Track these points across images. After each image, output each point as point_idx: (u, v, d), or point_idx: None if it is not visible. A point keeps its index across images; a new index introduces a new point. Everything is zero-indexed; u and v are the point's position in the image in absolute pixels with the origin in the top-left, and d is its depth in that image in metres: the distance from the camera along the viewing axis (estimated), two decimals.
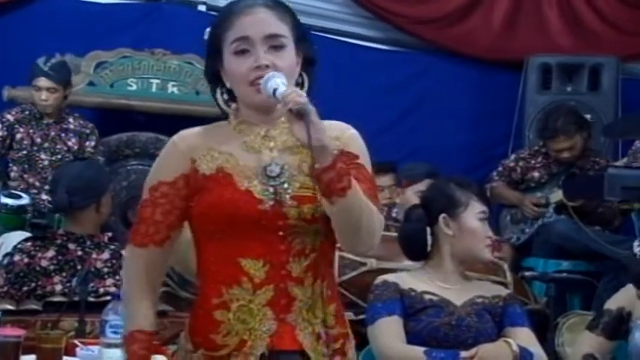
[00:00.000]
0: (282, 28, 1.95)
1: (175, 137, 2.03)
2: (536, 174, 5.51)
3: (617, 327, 3.07)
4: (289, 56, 1.95)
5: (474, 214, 2.87)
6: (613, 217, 5.23)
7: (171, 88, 5.91)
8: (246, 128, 1.99)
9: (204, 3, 6.29)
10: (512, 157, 5.72)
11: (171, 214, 1.97)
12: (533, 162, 5.55)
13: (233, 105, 2.03)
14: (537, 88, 6.33)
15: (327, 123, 1.98)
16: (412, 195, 4.37)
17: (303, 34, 2.00)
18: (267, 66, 1.90)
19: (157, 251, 1.98)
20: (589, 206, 5.16)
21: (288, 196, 1.91)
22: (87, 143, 5.26)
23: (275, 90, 1.85)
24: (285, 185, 1.92)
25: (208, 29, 2.04)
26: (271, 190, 1.91)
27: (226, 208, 1.90)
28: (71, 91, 5.36)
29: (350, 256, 3.59)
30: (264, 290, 1.90)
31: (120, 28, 6.01)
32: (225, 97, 2.02)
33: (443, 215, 2.87)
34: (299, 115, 1.78)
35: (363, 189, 1.87)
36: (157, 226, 1.97)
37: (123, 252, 3.47)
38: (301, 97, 1.81)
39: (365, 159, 1.99)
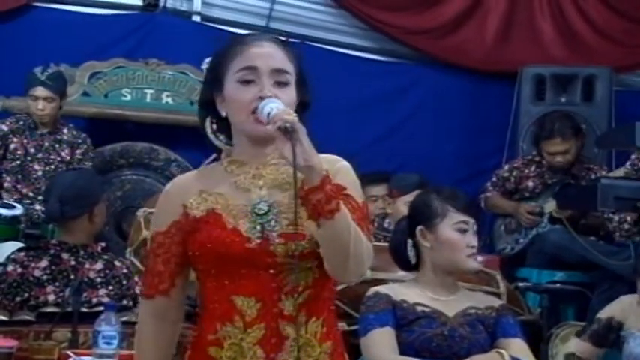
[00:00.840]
0: (288, 66, 1.96)
1: (168, 185, 2.07)
2: (530, 184, 5.52)
3: (604, 335, 3.10)
4: (291, 94, 1.95)
5: (450, 224, 2.87)
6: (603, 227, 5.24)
7: (166, 98, 5.92)
8: (237, 168, 1.99)
9: (199, 14, 6.31)
10: (506, 167, 5.73)
11: (170, 262, 1.99)
12: (526, 171, 5.56)
13: (221, 136, 2.03)
14: (531, 99, 6.35)
15: (320, 156, 1.95)
16: (402, 206, 4.38)
17: (304, 78, 2.01)
18: (269, 97, 1.90)
19: (165, 300, 2.00)
20: (577, 216, 5.19)
21: (275, 234, 1.90)
22: (77, 152, 5.26)
23: (269, 114, 1.85)
24: (272, 223, 1.91)
25: (208, 59, 2.06)
26: (258, 227, 1.91)
27: (215, 247, 1.90)
28: (66, 102, 5.36)
29: None
30: (255, 328, 1.89)
31: (114, 39, 6.02)
32: (214, 127, 2.03)
33: (420, 227, 2.89)
34: (286, 132, 1.77)
35: (353, 218, 1.85)
36: (160, 277, 2.00)
37: (116, 262, 3.48)
38: (289, 115, 1.81)
39: (356, 191, 1.96)
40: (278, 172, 1.95)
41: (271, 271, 1.89)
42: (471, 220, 2.88)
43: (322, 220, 1.79)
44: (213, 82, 2.00)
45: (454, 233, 2.86)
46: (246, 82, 1.93)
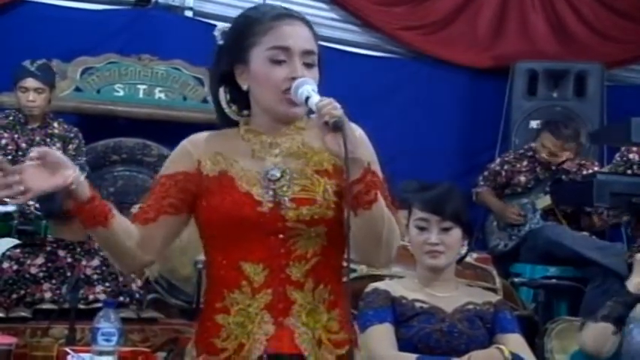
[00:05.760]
0: (315, 47, 1.97)
1: (185, 140, 2.04)
2: (522, 178, 5.52)
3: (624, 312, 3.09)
4: (316, 75, 1.95)
5: (412, 220, 2.88)
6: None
7: (158, 94, 5.91)
8: (254, 137, 1.99)
9: (191, 9, 6.30)
10: (498, 160, 5.74)
11: (163, 199, 1.97)
12: (518, 165, 5.56)
13: (233, 106, 2.03)
14: (523, 94, 6.38)
15: None
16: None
17: (320, 59, 2.00)
18: (303, 78, 1.89)
19: (140, 228, 1.97)
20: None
21: (287, 199, 1.91)
22: (69, 146, 5.24)
23: (308, 98, 1.85)
24: (285, 188, 1.92)
25: (225, 26, 2.02)
26: (271, 192, 1.92)
27: (228, 211, 1.90)
28: (57, 97, 5.34)
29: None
30: (262, 294, 1.90)
31: (107, 34, 6.00)
32: (228, 97, 2.03)
33: None
34: (335, 128, 1.78)
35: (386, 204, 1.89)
36: (146, 209, 1.98)
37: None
38: (337, 109, 1.80)
39: (373, 159, 1.97)
40: (293, 141, 1.97)
41: (281, 236, 1.90)
42: (435, 218, 2.85)
43: (360, 210, 1.82)
44: (236, 53, 1.97)
45: (413, 230, 2.87)
46: (277, 61, 1.92)
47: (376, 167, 1.95)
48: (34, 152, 1.85)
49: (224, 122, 2.06)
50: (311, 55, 1.95)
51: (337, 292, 1.98)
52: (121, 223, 1.94)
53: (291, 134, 1.98)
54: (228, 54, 1.99)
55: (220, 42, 2.02)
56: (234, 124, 2.04)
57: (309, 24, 1.99)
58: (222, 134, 2.04)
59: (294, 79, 1.89)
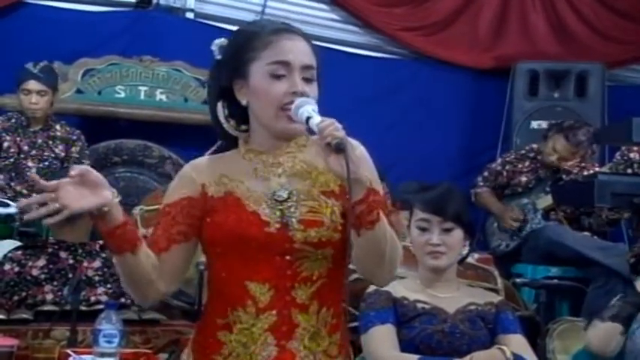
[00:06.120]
0: (314, 61, 1.96)
1: (186, 167, 2.03)
2: (523, 178, 5.51)
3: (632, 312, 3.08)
4: (315, 90, 1.94)
5: (413, 221, 2.88)
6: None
7: (160, 96, 5.92)
8: (255, 157, 1.98)
9: (192, 10, 6.30)
10: (499, 160, 5.72)
11: (172, 227, 1.94)
12: (520, 166, 5.55)
13: (232, 121, 2.02)
14: (524, 95, 6.38)
15: None
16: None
17: (319, 74, 1.99)
18: (302, 94, 1.90)
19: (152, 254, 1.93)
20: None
21: (294, 220, 1.90)
22: (72, 149, 5.24)
23: (308, 118, 1.85)
24: (292, 209, 1.91)
25: (222, 40, 2.02)
26: (278, 213, 1.91)
27: (233, 230, 1.89)
28: (59, 99, 5.35)
29: None
30: (266, 315, 1.89)
31: (108, 36, 6.01)
32: (226, 112, 2.01)
33: None
34: (338, 149, 1.78)
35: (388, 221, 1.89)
36: (157, 239, 1.94)
37: (114, 259, 3.46)
38: (339, 130, 1.80)
39: (374, 176, 1.96)
40: (295, 161, 1.97)
41: (287, 257, 1.89)
42: (436, 218, 2.85)
43: (363, 230, 1.83)
44: (235, 68, 1.97)
45: (414, 230, 2.87)
46: (277, 76, 1.91)
47: (377, 185, 1.94)
48: (74, 170, 1.82)
49: (223, 137, 2.05)
50: (310, 70, 1.94)
51: (338, 315, 1.97)
52: (147, 251, 1.91)
53: (292, 152, 1.97)
54: (226, 69, 1.98)
55: (218, 57, 2.01)
56: (233, 138, 2.03)
57: (308, 39, 1.98)
58: (224, 157, 2.03)
59: (294, 93, 1.89)
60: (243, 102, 1.97)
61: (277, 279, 1.89)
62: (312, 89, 1.93)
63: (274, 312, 1.89)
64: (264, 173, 1.96)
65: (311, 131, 1.88)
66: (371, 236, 1.83)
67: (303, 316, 1.90)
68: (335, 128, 1.80)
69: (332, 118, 1.84)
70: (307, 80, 1.93)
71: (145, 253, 1.89)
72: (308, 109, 1.86)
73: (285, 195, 1.93)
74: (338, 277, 1.95)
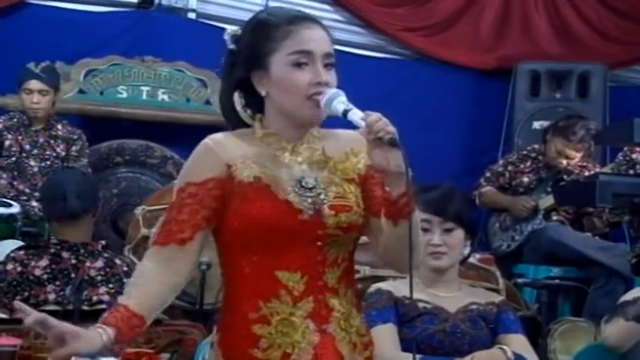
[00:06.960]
0: (332, 48, 1.96)
1: (208, 140, 1.96)
2: (525, 179, 5.50)
3: None
4: (335, 77, 1.95)
5: None
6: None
7: (162, 96, 5.92)
8: (274, 141, 1.97)
9: (194, 11, 6.31)
10: (501, 161, 5.72)
11: (198, 213, 1.89)
12: (522, 166, 5.55)
13: (248, 110, 2.00)
14: (526, 95, 6.39)
15: (346, 133, 2.03)
16: None
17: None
18: (326, 83, 1.90)
19: (177, 250, 1.88)
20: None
21: (325, 206, 1.92)
22: (72, 148, 5.26)
23: (346, 111, 1.85)
24: (322, 196, 1.92)
25: (236, 30, 2.00)
26: (309, 200, 1.91)
27: (267, 219, 1.87)
28: (60, 99, 5.37)
29: None
30: (304, 302, 1.90)
31: (110, 36, 6.03)
32: (243, 101, 1.99)
33: None
34: (391, 144, 1.80)
35: None
36: (180, 226, 1.89)
37: (116, 260, 3.47)
38: (389, 125, 1.81)
39: None
40: (313, 150, 1.97)
41: (319, 243, 1.91)
42: (437, 219, 2.86)
43: (401, 220, 1.86)
44: (253, 59, 1.95)
45: None
46: (299, 65, 1.91)
47: None
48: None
49: (235, 126, 2.02)
50: (331, 57, 1.94)
51: (358, 295, 2.02)
52: (155, 306, 1.87)
53: (309, 143, 1.97)
54: (243, 60, 1.96)
55: (231, 46, 1.99)
56: (245, 127, 2.01)
57: (324, 25, 1.98)
58: (240, 136, 1.99)
59: (318, 83, 1.89)
60: (263, 93, 1.95)
61: (309, 266, 1.90)
62: (333, 76, 1.94)
63: (311, 298, 1.90)
64: (285, 160, 1.95)
65: (347, 122, 1.87)
66: (407, 225, 1.85)
67: (336, 299, 1.93)
68: (385, 123, 1.82)
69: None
70: (327, 67, 1.93)
71: (156, 311, 1.88)
72: (342, 100, 1.87)
73: (312, 182, 1.93)
74: (353, 259, 2.00)
